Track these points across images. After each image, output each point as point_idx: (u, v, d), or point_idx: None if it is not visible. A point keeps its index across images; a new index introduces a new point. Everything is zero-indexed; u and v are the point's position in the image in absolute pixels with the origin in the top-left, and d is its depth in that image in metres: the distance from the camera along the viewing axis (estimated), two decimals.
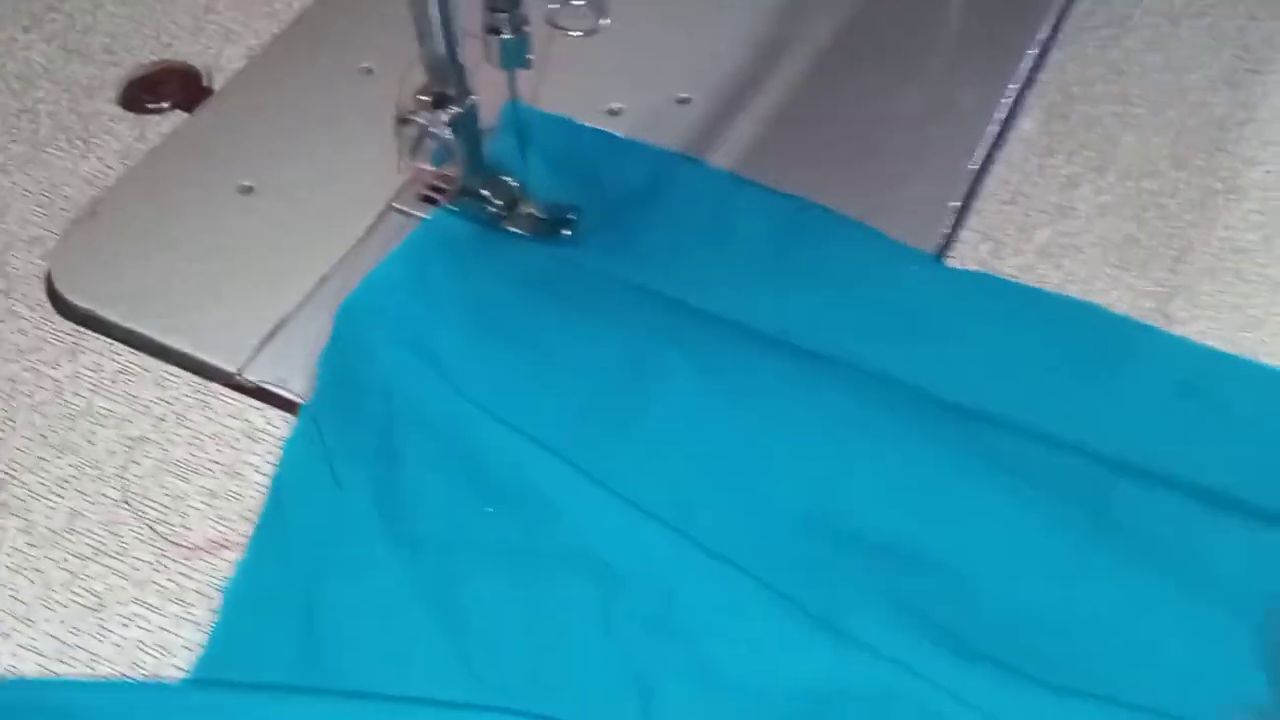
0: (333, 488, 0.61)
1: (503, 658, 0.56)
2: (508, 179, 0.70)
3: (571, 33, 0.64)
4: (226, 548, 0.60)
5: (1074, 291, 0.69)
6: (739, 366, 0.63)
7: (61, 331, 0.68)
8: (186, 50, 0.83)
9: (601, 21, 0.65)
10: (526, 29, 0.60)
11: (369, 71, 0.79)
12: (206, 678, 0.56)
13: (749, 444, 0.62)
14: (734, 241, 0.70)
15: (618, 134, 0.75)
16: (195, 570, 0.59)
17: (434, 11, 0.60)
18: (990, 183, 0.75)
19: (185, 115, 0.78)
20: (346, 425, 0.62)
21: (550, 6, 0.66)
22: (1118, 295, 0.69)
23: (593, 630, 0.57)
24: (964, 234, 0.72)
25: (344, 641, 0.57)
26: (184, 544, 0.60)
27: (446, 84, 0.63)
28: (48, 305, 0.69)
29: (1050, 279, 0.70)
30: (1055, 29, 0.84)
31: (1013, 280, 0.70)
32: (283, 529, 0.60)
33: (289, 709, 0.54)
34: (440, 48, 0.61)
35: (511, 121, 0.69)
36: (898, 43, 0.83)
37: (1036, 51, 0.81)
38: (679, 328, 0.65)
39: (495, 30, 0.60)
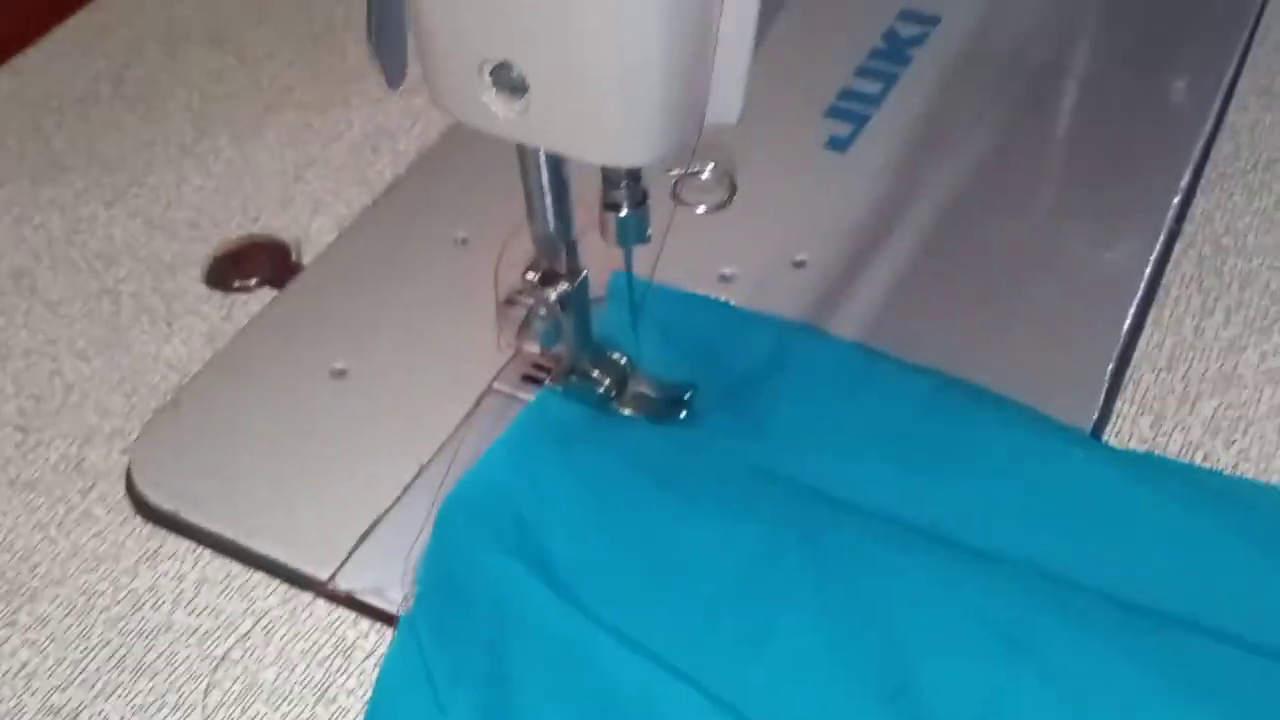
0: (435, 714, 0.54)
1: None
2: (617, 355, 0.65)
3: (698, 210, 0.59)
4: None
5: (1248, 472, 0.62)
6: (885, 568, 0.56)
7: (141, 535, 0.63)
8: (274, 223, 0.79)
9: (733, 197, 0.60)
10: (646, 203, 0.55)
11: (464, 242, 0.75)
12: None
13: (900, 660, 0.54)
14: (869, 422, 0.63)
15: (733, 303, 0.70)
16: None
17: (545, 185, 0.56)
18: (1143, 348, 0.68)
19: (273, 292, 0.74)
20: (450, 641, 0.56)
21: (672, 175, 0.61)
22: None
23: None
24: (1120, 406, 0.66)
25: None
26: None
27: (555, 260, 0.59)
28: (126, 506, 0.64)
29: (1221, 458, 0.63)
30: (1197, 173, 0.78)
31: (1189, 463, 0.62)
32: None
33: None
34: (550, 224, 0.57)
35: (620, 294, 0.64)
36: (1028, 195, 0.77)
37: (1179, 199, 0.75)
38: (813, 521, 0.59)
39: (613, 206, 0.55)
